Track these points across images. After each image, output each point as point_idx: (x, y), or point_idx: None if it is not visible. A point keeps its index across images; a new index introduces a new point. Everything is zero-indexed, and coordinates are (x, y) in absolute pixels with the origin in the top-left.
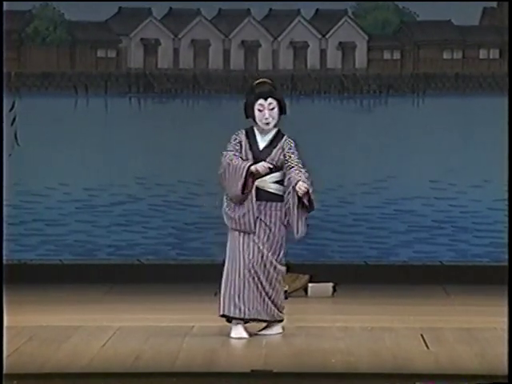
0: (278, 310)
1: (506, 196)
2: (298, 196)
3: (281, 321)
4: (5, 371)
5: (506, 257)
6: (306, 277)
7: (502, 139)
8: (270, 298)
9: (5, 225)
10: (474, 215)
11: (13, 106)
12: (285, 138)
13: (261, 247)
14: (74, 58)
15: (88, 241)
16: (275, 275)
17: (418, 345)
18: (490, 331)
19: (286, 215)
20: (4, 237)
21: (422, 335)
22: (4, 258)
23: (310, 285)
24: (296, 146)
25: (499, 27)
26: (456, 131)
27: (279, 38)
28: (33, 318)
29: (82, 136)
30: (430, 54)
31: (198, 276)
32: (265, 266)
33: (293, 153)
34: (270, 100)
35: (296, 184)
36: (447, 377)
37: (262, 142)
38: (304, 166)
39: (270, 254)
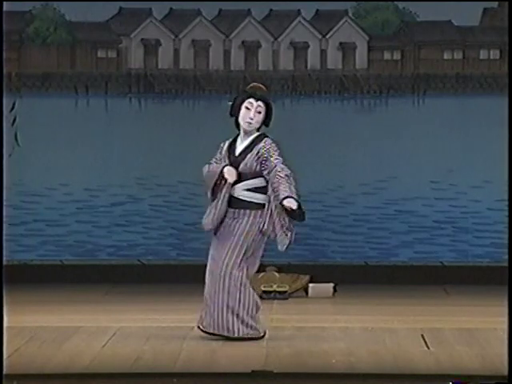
0: (240, 324)
1: (507, 196)
2: (286, 208)
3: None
4: (5, 371)
5: (506, 257)
6: (307, 277)
7: (502, 139)
8: (230, 311)
9: (5, 225)
10: (474, 216)
11: (13, 107)
12: (263, 141)
13: (222, 253)
14: (75, 59)
15: (88, 241)
16: (233, 282)
17: (419, 345)
18: (490, 331)
19: (263, 224)
20: (4, 237)
21: (422, 335)
22: (4, 258)
23: (310, 285)
24: (276, 145)
25: (499, 27)
26: (456, 131)
27: (279, 39)
28: (33, 318)
29: (83, 136)
30: (430, 55)
31: (198, 276)
32: (222, 271)
33: (275, 158)
34: (259, 103)
35: (284, 199)
36: (447, 377)
37: (239, 147)
38: (286, 166)
39: (227, 259)
